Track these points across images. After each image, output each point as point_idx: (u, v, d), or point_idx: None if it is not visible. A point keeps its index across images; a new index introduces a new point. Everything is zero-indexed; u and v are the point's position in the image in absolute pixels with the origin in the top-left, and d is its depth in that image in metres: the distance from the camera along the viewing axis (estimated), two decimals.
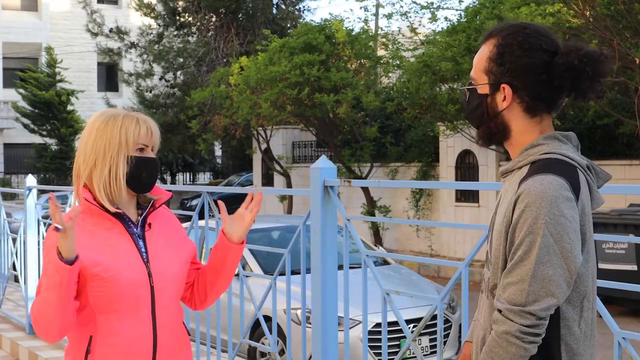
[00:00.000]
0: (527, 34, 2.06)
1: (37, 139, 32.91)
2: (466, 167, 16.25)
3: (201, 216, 5.05)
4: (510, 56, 2.05)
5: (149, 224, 2.57)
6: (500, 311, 1.96)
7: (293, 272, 4.39)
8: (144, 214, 2.58)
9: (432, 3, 16.87)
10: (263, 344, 6.80)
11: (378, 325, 6.58)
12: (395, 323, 5.78)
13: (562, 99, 2.10)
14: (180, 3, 26.78)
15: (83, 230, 2.46)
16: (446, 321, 7.34)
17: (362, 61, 17.84)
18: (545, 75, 2.03)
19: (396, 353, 5.27)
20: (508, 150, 2.15)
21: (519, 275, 1.93)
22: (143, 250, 2.52)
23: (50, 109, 31.78)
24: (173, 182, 33.67)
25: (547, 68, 2.03)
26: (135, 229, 2.54)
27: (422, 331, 6.45)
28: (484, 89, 2.11)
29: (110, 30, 27.35)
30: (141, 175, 2.51)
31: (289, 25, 27.13)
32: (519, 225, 1.94)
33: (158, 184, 2.69)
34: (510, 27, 2.10)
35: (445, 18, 16.49)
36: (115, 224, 2.51)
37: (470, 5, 15.26)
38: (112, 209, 2.48)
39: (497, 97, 2.09)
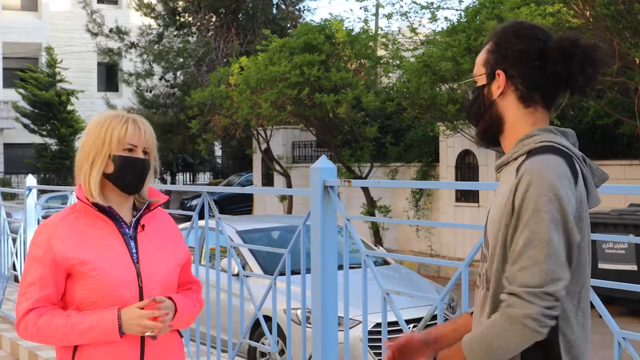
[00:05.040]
0: (523, 25, 2.11)
1: (37, 139, 32.90)
2: (466, 167, 16.25)
3: (201, 216, 5.05)
4: (505, 43, 2.08)
5: (142, 226, 2.57)
6: (515, 295, 1.89)
7: (293, 272, 4.39)
8: (137, 215, 2.58)
9: (432, 3, 16.86)
10: (263, 344, 6.80)
11: (378, 325, 6.57)
12: (395, 323, 5.77)
13: (558, 94, 2.10)
14: (180, 3, 26.77)
15: (75, 229, 2.48)
16: (446, 321, 7.33)
17: (362, 61, 17.83)
18: (539, 61, 2.04)
19: None
20: (503, 145, 2.14)
21: (531, 257, 1.89)
22: (134, 251, 2.52)
23: (50, 109, 31.77)
24: (173, 182, 33.66)
25: (540, 54, 2.05)
26: (127, 230, 2.54)
27: None
28: (481, 80, 2.13)
29: (110, 30, 27.34)
30: (125, 174, 2.50)
31: (289, 25, 27.13)
32: (524, 206, 1.91)
33: (158, 184, 2.69)
34: (510, 22, 2.16)
35: (445, 18, 16.50)
36: (108, 223, 2.51)
37: (470, 5, 15.25)
38: (95, 200, 2.48)
39: (492, 86, 2.11)
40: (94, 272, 2.42)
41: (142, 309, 2.43)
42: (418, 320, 6.68)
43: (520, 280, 1.90)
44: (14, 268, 8.14)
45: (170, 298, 2.53)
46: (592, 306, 2.20)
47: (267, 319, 6.62)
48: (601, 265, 10.30)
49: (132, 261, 2.49)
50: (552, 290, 1.87)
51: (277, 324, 4.96)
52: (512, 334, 1.90)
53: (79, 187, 2.52)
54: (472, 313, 2.23)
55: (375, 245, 11.33)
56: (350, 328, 6.60)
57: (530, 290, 1.88)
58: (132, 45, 27.14)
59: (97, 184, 2.49)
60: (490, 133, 2.15)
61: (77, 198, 2.50)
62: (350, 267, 3.91)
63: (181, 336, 2.70)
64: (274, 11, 27.53)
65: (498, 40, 2.10)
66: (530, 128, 2.07)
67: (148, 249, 2.54)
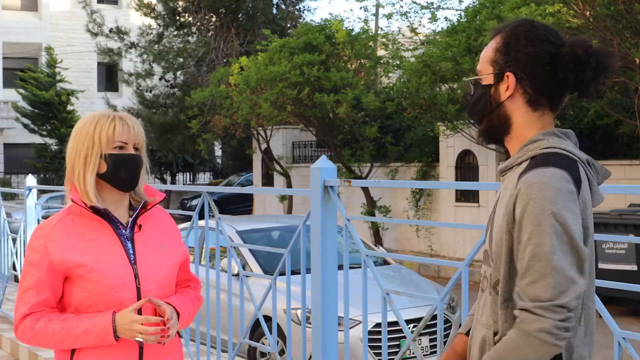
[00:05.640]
0: (534, 26, 2.08)
1: (37, 139, 32.90)
2: (466, 167, 16.25)
3: (201, 216, 5.05)
4: (516, 45, 2.06)
5: (139, 226, 2.56)
6: (527, 310, 1.89)
7: (293, 272, 4.39)
8: (134, 215, 2.57)
9: (432, 3, 16.86)
10: (263, 344, 6.80)
11: (378, 325, 6.58)
12: (395, 323, 5.78)
13: (565, 96, 2.09)
14: (180, 3, 26.76)
15: (71, 231, 2.47)
16: (446, 321, 7.33)
17: (362, 61, 17.83)
18: (550, 66, 2.03)
19: (396, 353, 5.26)
20: (507, 146, 2.13)
21: (538, 272, 1.88)
22: (131, 252, 2.51)
23: (50, 109, 31.76)
24: (173, 182, 33.65)
25: (552, 59, 2.03)
26: (123, 231, 2.53)
27: (422, 331, 6.45)
28: (488, 79, 2.11)
29: (110, 30, 27.33)
30: (119, 172, 2.50)
31: (289, 25, 27.12)
32: (525, 219, 1.91)
33: (158, 184, 2.68)
34: (518, 21, 2.13)
35: (445, 18, 16.50)
36: (104, 225, 2.50)
37: (470, 6, 15.25)
38: (92, 203, 2.47)
39: (500, 87, 2.09)
40: (91, 274, 2.41)
41: (140, 309, 2.43)
42: (418, 320, 6.69)
43: (531, 295, 1.89)
44: (14, 268, 8.14)
45: (167, 303, 2.52)
46: None
47: (267, 319, 6.62)
48: (601, 265, 10.29)
49: (129, 262, 2.48)
50: (563, 302, 1.86)
51: (277, 324, 4.96)
52: (529, 349, 1.89)
53: (74, 188, 2.51)
54: (466, 333, 2.24)
55: (375, 245, 11.33)
56: (350, 328, 6.60)
57: (541, 305, 1.87)
58: (132, 45, 27.13)
59: (93, 185, 2.48)
60: (495, 133, 2.14)
61: (72, 200, 2.49)
62: (350, 267, 3.91)
63: (180, 336, 2.69)
64: (274, 11, 27.52)
65: (508, 40, 2.07)
66: (536, 131, 2.06)
67: (145, 249, 2.53)
